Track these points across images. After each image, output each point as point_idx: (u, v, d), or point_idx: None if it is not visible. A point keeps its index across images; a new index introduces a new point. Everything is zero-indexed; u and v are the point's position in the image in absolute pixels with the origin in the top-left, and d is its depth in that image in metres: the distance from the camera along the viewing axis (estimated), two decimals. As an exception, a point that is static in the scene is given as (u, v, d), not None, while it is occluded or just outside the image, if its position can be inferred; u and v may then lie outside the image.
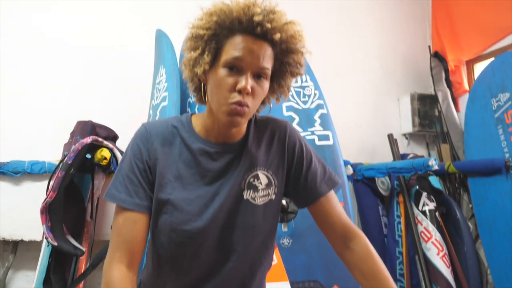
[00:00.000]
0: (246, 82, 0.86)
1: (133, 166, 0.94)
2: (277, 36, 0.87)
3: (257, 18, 0.85)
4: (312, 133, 1.76)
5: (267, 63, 0.89)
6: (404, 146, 2.90)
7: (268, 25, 0.86)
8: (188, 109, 1.85)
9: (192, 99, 1.81)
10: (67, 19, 2.33)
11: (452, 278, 2.13)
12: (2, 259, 2.11)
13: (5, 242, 2.09)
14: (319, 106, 1.81)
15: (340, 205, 1.06)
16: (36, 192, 1.94)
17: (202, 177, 0.96)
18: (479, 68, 2.91)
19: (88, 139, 1.46)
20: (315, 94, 1.82)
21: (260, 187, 0.99)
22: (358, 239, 1.01)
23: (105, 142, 1.52)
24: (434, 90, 2.92)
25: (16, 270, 2.14)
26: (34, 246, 2.01)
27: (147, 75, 2.15)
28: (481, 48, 2.81)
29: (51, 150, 2.06)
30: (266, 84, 0.91)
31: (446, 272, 2.12)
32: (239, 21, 0.87)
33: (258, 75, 0.89)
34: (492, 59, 2.52)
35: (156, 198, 0.93)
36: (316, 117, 1.78)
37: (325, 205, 1.02)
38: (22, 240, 2.07)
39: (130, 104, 2.28)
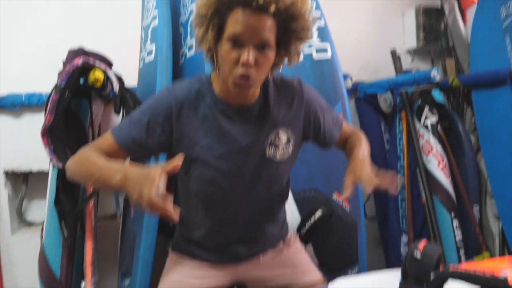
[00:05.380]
0: (248, 55, 0.92)
1: (143, 118, 1.05)
2: (272, 7, 0.90)
3: None
4: (310, 46, 1.71)
5: (268, 34, 0.94)
6: (408, 63, 2.83)
7: None
8: (181, 29, 1.80)
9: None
10: None
11: (452, 187, 2.18)
12: (15, 190, 2.19)
13: (15, 174, 2.16)
14: (315, 19, 1.74)
15: (346, 124, 1.29)
16: (37, 124, 1.96)
17: (225, 137, 1.07)
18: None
19: (79, 60, 1.44)
20: (310, 6, 1.75)
21: (281, 145, 1.12)
22: (353, 135, 1.27)
23: (97, 63, 1.50)
24: (441, 2, 2.78)
25: (30, 200, 2.23)
26: (44, 176, 2.06)
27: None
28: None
29: (47, 81, 2.04)
30: (271, 53, 0.97)
31: (446, 182, 2.16)
32: None
33: (261, 46, 0.94)
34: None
35: (186, 156, 1.03)
36: (313, 29, 1.72)
37: (339, 140, 1.27)
38: (31, 172, 2.13)
39: (121, 27, 2.21)
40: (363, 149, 1.17)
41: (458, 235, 2.16)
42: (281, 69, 1.08)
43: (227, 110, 1.07)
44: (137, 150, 1.07)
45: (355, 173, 1.07)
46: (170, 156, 1.12)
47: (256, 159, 1.11)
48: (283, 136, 1.12)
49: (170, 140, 1.08)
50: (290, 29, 0.97)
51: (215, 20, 0.96)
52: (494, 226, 2.26)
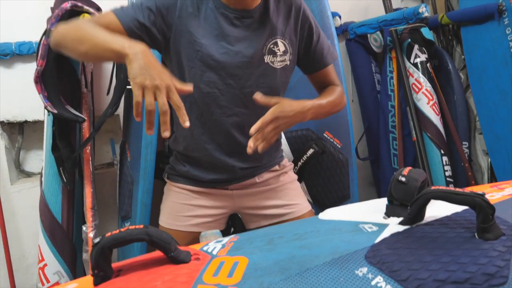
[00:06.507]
0: None
1: (145, 6, 1.04)
2: None
3: None
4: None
5: None
6: (398, 2, 2.78)
7: None
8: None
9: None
10: None
11: (441, 124, 2.23)
12: (11, 141, 2.20)
13: (10, 125, 2.17)
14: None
15: (335, 72, 1.31)
16: (30, 74, 1.94)
17: (225, 39, 1.09)
18: None
19: (67, 4, 1.42)
20: None
21: (278, 53, 1.16)
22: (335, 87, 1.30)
23: (86, 7, 1.48)
24: None
25: (27, 150, 2.25)
26: (39, 126, 2.08)
27: None
28: None
29: (37, 30, 2.00)
30: None
31: (436, 119, 2.21)
32: None
33: None
34: None
35: (186, 53, 1.09)
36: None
37: (325, 74, 1.29)
38: (26, 121, 2.14)
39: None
40: (323, 105, 1.19)
41: (448, 171, 2.23)
42: None
43: (229, 13, 1.09)
44: (138, 35, 1.05)
45: (277, 112, 1.04)
46: (168, 52, 1.14)
47: (254, 65, 1.13)
48: (281, 46, 1.15)
49: (169, 33, 1.09)
50: None
51: None
52: (483, 162, 2.34)
